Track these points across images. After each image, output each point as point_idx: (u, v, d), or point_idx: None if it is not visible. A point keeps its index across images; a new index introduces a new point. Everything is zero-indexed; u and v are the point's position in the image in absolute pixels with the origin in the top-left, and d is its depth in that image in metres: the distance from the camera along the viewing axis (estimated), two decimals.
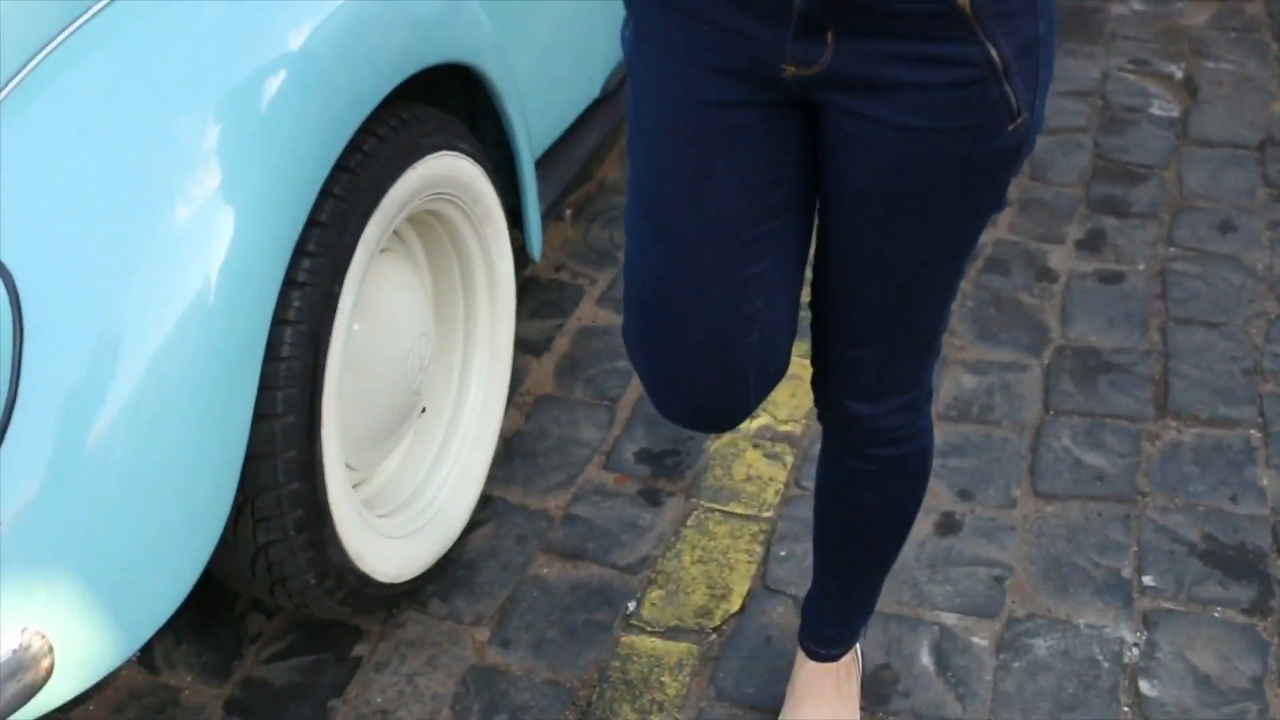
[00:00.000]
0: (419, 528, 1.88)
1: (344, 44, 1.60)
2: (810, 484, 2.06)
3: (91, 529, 1.37)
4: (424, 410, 1.96)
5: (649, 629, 1.87)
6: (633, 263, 1.35)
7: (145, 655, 1.83)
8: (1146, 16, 3.65)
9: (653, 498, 2.08)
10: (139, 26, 1.52)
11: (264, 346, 1.49)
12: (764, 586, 1.93)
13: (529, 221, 2.10)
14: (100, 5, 1.52)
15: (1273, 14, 3.66)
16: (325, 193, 1.56)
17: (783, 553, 1.97)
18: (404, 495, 1.92)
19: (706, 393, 1.38)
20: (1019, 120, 1.18)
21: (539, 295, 2.51)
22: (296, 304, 1.53)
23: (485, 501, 2.05)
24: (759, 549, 1.98)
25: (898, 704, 1.76)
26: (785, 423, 2.20)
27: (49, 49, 1.49)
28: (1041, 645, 1.83)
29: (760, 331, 1.34)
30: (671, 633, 1.86)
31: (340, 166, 1.59)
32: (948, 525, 2.02)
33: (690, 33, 1.20)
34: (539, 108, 2.21)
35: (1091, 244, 2.66)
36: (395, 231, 1.84)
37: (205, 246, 1.42)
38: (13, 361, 1.36)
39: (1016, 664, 1.81)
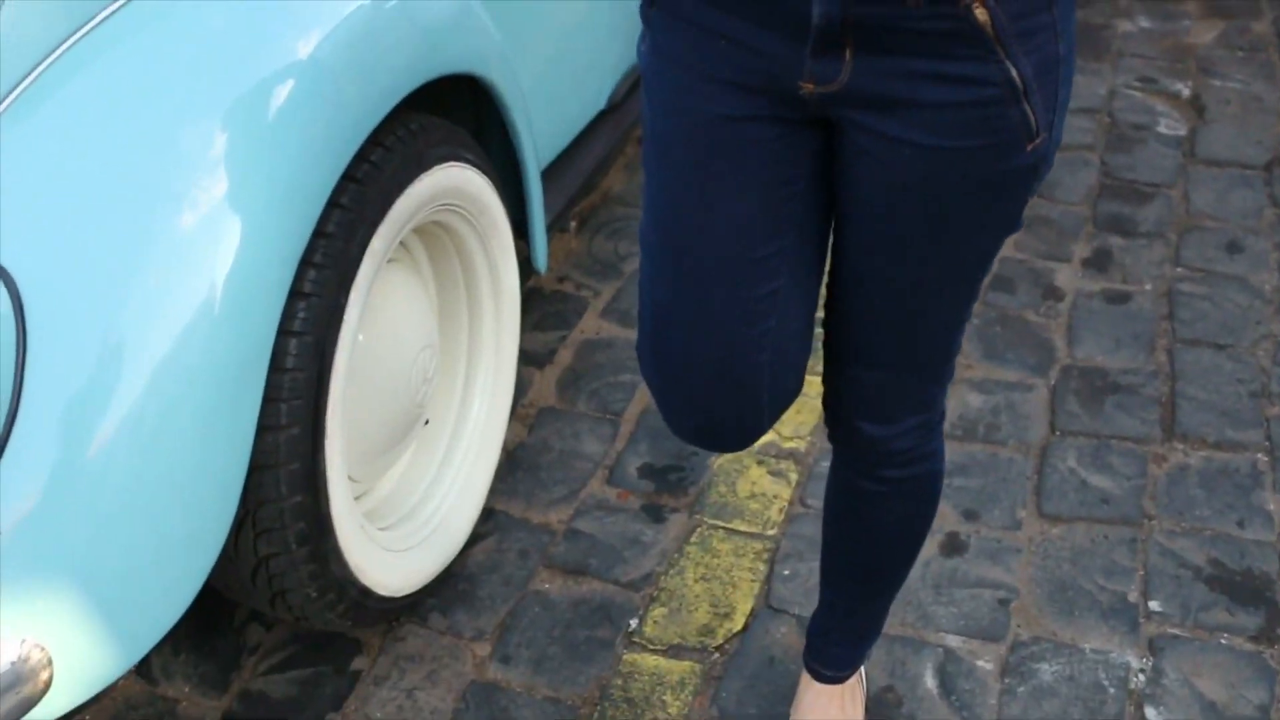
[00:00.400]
0: (421, 540, 1.86)
1: (353, 54, 1.58)
2: (815, 502, 2.05)
3: (92, 540, 1.35)
4: (427, 422, 1.95)
5: (651, 647, 1.85)
6: (645, 278, 1.34)
7: (143, 666, 1.81)
8: (1153, 34, 3.64)
9: (656, 514, 2.07)
10: (146, 33, 1.51)
11: (269, 357, 1.47)
12: (767, 605, 1.91)
13: (534, 233, 2.09)
14: (108, 10, 1.51)
15: None
16: (332, 203, 1.55)
17: (786, 571, 1.96)
18: (406, 507, 1.90)
19: (718, 411, 1.37)
20: (1038, 140, 1.17)
21: (542, 307, 2.49)
22: (302, 315, 1.51)
23: (487, 515, 2.04)
24: (763, 567, 1.97)
25: None
26: (790, 439, 2.18)
27: (56, 54, 1.48)
28: (1047, 669, 1.82)
29: (773, 351, 1.32)
30: (674, 651, 1.84)
31: (348, 177, 1.58)
32: (953, 546, 2.00)
33: (706, 47, 1.19)
34: (546, 118, 2.19)
35: (1098, 263, 2.65)
36: (401, 242, 1.82)
37: (211, 255, 1.41)
38: (15, 370, 1.34)
39: (1021, 688, 1.79)
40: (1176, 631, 1.87)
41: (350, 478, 1.71)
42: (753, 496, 2.09)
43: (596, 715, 1.76)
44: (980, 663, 1.82)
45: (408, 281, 1.82)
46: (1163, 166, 2.99)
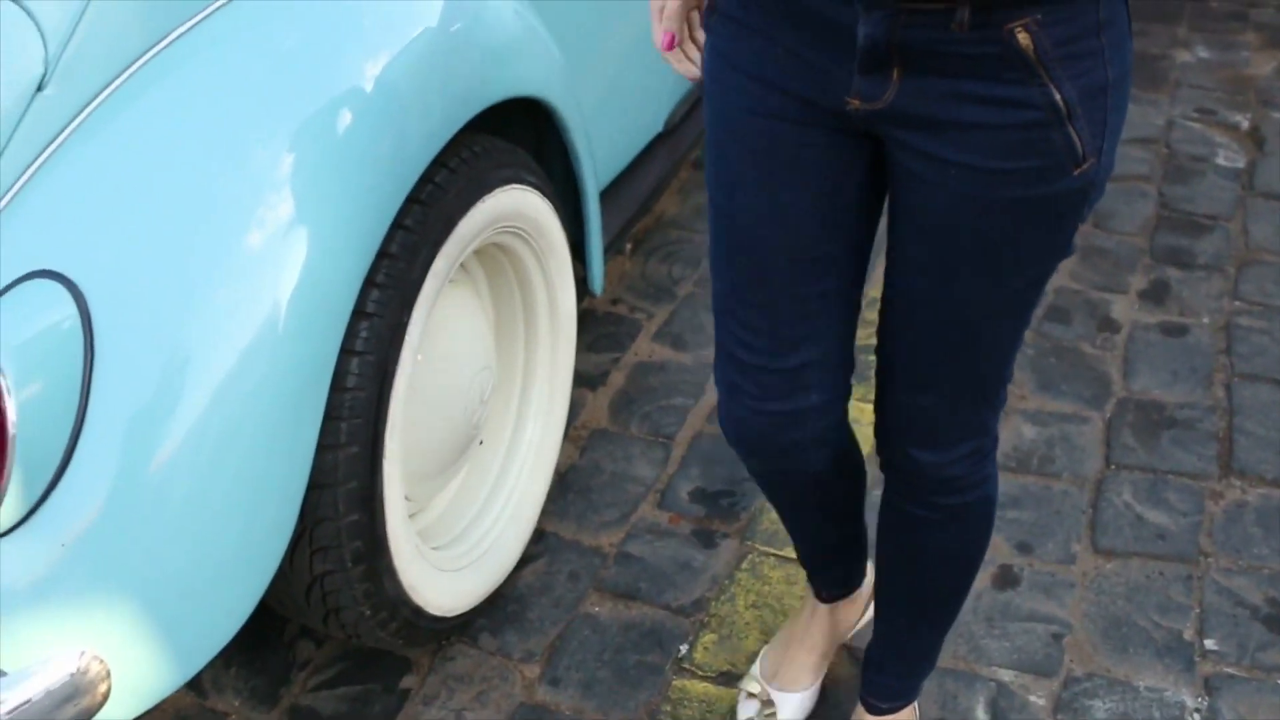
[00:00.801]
0: (473, 561, 1.87)
1: (421, 77, 1.59)
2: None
3: (152, 554, 1.36)
4: (481, 442, 1.95)
5: (701, 673, 1.85)
6: (712, 259, 1.39)
7: (194, 678, 1.82)
8: (1212, 65, 3.62)
9: (707, 539, 2.06)
10: (219, 50, 1.53)
11: (330, 376, 1.48)
12: None
13: (592, 255, 2.09)
14: (179, 32, 1.53)
15: None
16: (396, 224, 1.56)
17: None
18: (459, 528, 1.91)
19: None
20: (1085, 165, 1.17)
21: (596, 328, 2.50)
22: (364, 334, 1.52)
23: (538, 536, 2.04)
24: None
25: None
26: None
27: (131, 70, 1.49)
28: (1100, 707, 1.80)
29: (821, 349, 1.37)
30: (724, 678, 1.84)
31: (412, 198, 1.59)
32: (1006, 579, 1.99)
33: (764, 53, 1.23)
34: (604, 141, 2.20)
35: (1155, 295, 2.63)
36: (460, 263, 1.83)
37: (277, 274, 1.42)
38: (82, 384, 1.36)
39: None
40: (1232, 671, 1.85)
41: (405, 497, 1.72)
42: None
43: None
44: (1033, 698, 1.81)
45: (467, 302, 1.82)
46: (1221, 199, 2.96)
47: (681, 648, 1.88)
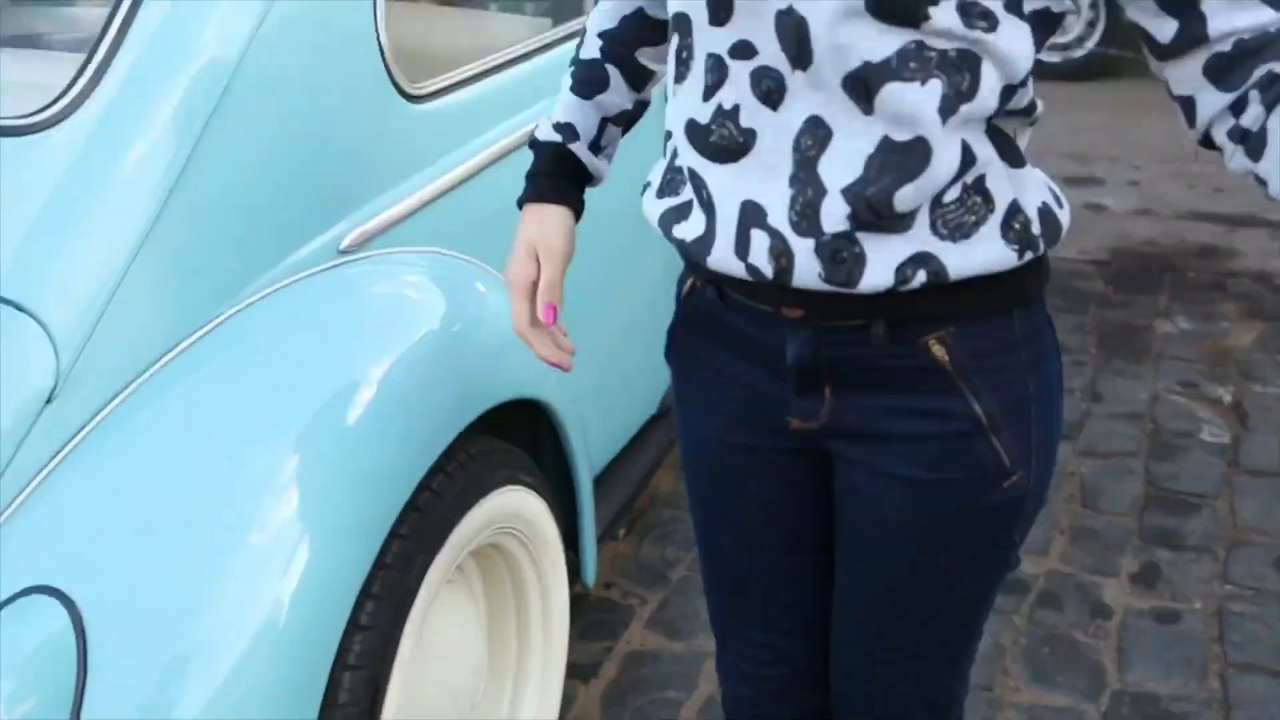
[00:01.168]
0: None
1: (423, 381, 1.63)
2: None
3: None
4: None
5: None
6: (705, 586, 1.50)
7: None
8: (1193, 336, 3.71)
9: None
10: (225, 359, 1.56)
11: (323, 691, 1.47)
12: None
13: (585, 547, 2.10)
14: (190, 340, 1.57)
15: None
16: (393, 533, 1.57)
17: None
18: None
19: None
20: (1014, 478, 1.21)
21: (588, 615, 2.49)
22: (358, 648, 1.51)
23: None
24: None
25: None
26: None
27: (140, 378, 1.52)
28: None
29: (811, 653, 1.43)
30: None
31: (409, 505, 1.60)
32: None
33: (714, 385, 1.32)
34: (599, 428, 2.24)
35: (1146, 579, 2.63)
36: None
37: (273, 588, 1.42)
38: (74, 697, 1.35)
39: None
40: None
41: None
42: None
43: None
44: None
45: (460, 604, 1.82)
46: (1207, 476, 3.00)
47: None
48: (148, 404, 1.51)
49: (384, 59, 1.75)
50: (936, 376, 1.17)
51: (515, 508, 1.81)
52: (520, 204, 1.42)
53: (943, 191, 1.12)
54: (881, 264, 1.12)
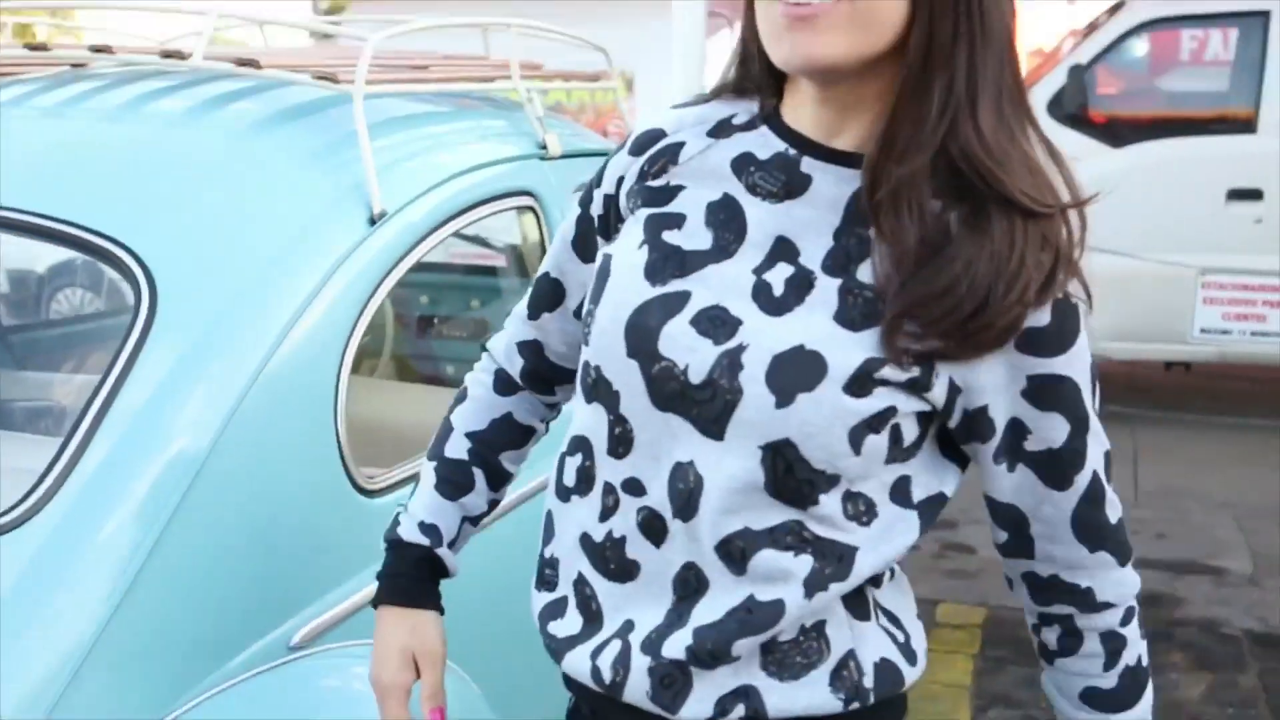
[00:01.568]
0: None
1: None
2: None
3: None
4: None
5: None
6: None
7: None
8: None
9: None
10: None
11: None
12: None
13: None
14: None
15: (1267, 687, 3.73)
16: None
17: None
18: None
19: None
20: None
21: None
22: None
23: None
24: None
25: None
26: None
27: None
28: None
29: None
30: None
31: None
32: None
33: None
34: None
35: None
36: None
37: None
38: None
39: None
40: None
41: None
42: None
43: None
44: None
45: None
46: None
47: None
48: None
49: (342, 455, 1.83)
50: None
51: None
52: (376, 603, 1.44)
53: (780, 632, 1.20)
54: (704, 695, 1.20)
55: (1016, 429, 1.19)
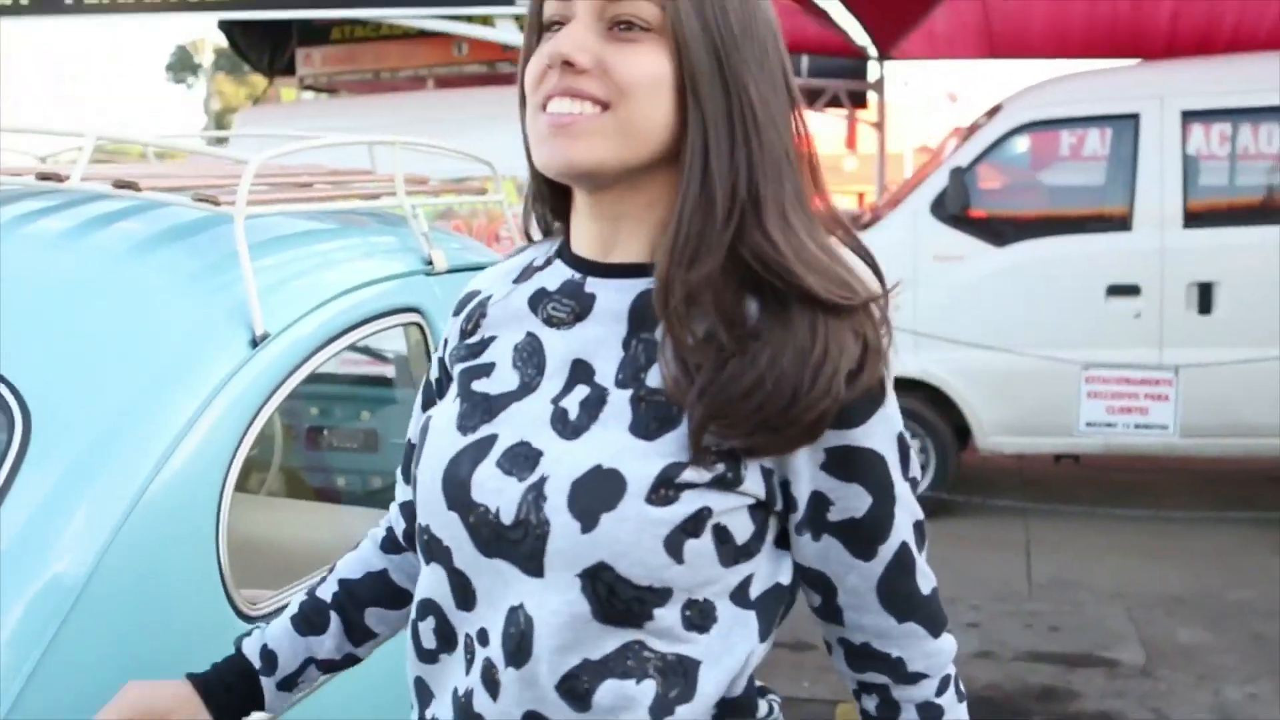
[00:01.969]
0: None
1: None
2: None
3: None
4: None
5: None
6: None
7: None
8: None
9: None
10: None
11: None
12: None
13: None
14: None
15: None
16: None
17: None
18: None
19: None
20: None
21: None
22: None
23: None
24: None
25: None
26: None
27: None
28: None
29: None
30: None
31: None
32: None
33: None
34: None
35: None
36: None
37: None
38: None
39: None
40: None
41: None
42: None
43: None
44: None
45: None
46: None
47: None
48: None
49: (224, 580, 1.80)
50: None
51: None
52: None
53: None
54: None
55: (818, 501, 1.20)
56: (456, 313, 1.40)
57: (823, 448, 1.18)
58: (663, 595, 1.16)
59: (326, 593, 1.49)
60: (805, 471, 1.19)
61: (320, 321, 1.99)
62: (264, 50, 9.39)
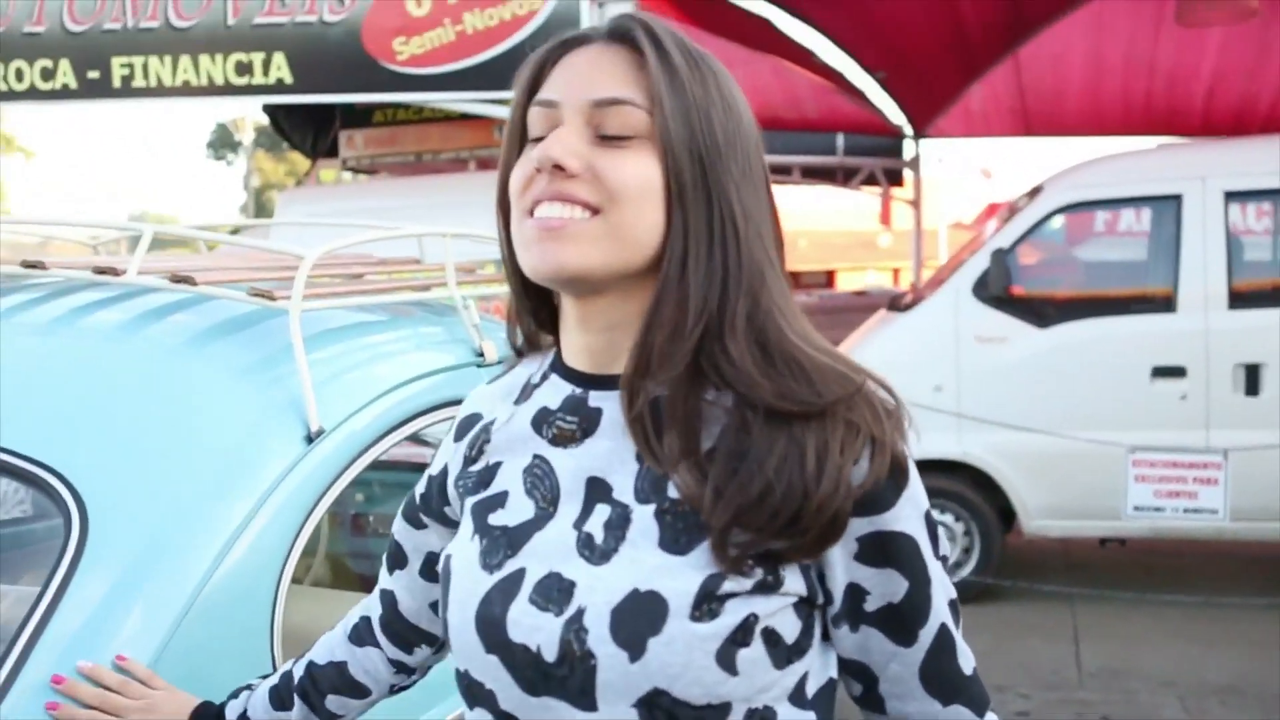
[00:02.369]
0: None
1: None
2: None
3: None
4: None
5: None
6: None
7: None
8: None
9: None
10: None
11: None
12: None
13: None
14: None
15: None
16: None
17: None
18: None
19: None
20: None
21: None
22: None
23: None
24: None
25: None
26: None
27: None
28: None
29: None
30: None
31: None
32: None
33: None
34: None
35: None
36: None
37: None
38: None
39: None
40: None
41: None
42: None
43: None
44: None
45: None
46: None
47: None
48: None
49: None
50: None
51: None
52: None
53: None
54: None
55: (854, 593, 1.18)
56: (457, 438, 1.37)
57: (854, 537, 1.15)
58: (722, 711, 1.13)
59: (295, 674, 1.51)
60: (840, 564, 1.16)
61: (374, 416, 1.98)
62: (307, 132, 9.54)
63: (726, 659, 1.11)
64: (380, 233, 2.31)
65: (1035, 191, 6.92)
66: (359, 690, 1.50)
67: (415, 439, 3.31)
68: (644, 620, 1.11)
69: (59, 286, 2.18)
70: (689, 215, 1.16)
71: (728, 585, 1.12)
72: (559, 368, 1.28)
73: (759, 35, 9.29)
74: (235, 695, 1.54)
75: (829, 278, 20.89)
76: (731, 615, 1.12)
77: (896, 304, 7.19)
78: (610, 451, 1.20)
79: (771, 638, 1.14)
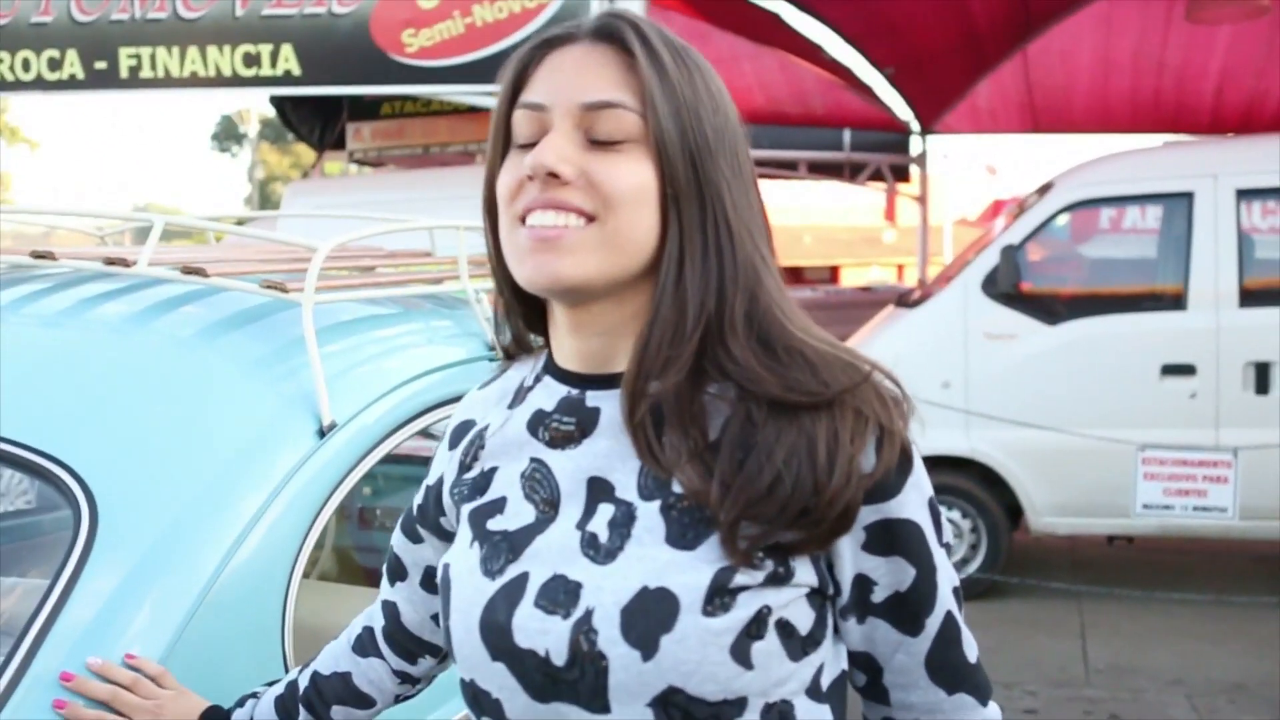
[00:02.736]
0: None
1: None
2: None
3: None
4: None
5: None
6: None
7: None
8: None
9: None
10: None
11: None
12: None
13: None
14: None
15: None
16: None
17: None
18: None
19: None
20: None
21: None
22: None
23: None
24: None
25: None
26: None
27: None
28: None
29: None
30: None
31: None
32: None
33: None
34: None
35: None
36: None
37: None
38: None
39: None
40: None
41: None
42: None
43: None
44: None
45: None
46: None
47: None
48: None
49: (287, 669, 1.77)
50: None
51: None
52: None
53: None
54: None
55: (861, 584, 1.17)
56: (451, 445, 1.36)
57: (861, 526, 1.14)
58: (738, 706, 1.11)
59: (300, 685, 1.50)
60: (848, 554, 1.15)
61: (386, 410, 1.96)
62: (315, 124, 9.52)
63: (741, 653, 1.10)
64: (395, 225, 2.29)
65: (1045, 188, 6.89)
66: (364, 701, 1.48)
67: (427, 434, 3.30)
68: (655, 618, 1.10)
69: (69, 277, 2.16)
70: (684, 218, 1.15)
71: (739, 578, 1.11)
72: (552, 369, 1.26)
73: (767, 29, 9.27)
74: (241, 703, 1.53)
75: (833, 273, 20.89)
76: (744, 608, 1.10)
77: (905, 300, 7.17)
78: (610, 450, 1.19)
79: (786, 629, 1.13)
